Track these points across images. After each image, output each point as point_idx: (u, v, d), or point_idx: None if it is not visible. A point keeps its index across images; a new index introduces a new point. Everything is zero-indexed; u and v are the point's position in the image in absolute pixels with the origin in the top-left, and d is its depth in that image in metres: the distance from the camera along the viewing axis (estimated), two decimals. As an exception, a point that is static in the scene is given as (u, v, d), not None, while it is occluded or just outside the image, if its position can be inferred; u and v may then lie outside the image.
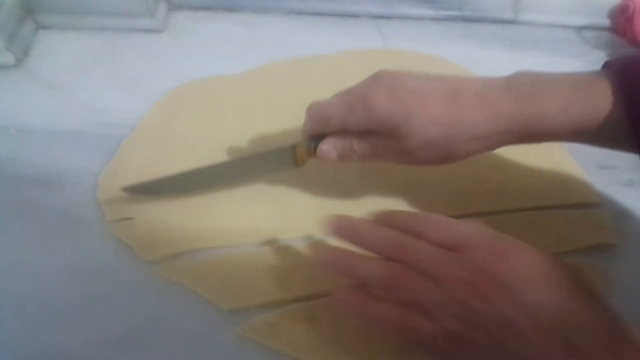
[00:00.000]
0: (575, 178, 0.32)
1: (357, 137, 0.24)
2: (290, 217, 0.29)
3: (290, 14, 0.43)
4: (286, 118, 0.35)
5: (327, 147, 0.25)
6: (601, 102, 0.22)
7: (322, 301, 0.26)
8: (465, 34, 0.42)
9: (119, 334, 0.25)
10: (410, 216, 0.24)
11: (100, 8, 0.40)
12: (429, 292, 0.20)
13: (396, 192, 0.30)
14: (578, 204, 0.31)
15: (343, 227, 0.23)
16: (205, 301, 0.26)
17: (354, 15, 0.43)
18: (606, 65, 0.24)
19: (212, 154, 0.33)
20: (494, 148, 0.24)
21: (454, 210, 0.30)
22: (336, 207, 0.30)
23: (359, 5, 0.42)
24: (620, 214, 0.30)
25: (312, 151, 0.26)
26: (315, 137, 0.26)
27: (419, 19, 0.43)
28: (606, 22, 0.44)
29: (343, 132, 0.25)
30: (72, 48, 0.40)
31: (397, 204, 0.30)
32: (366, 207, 0.29)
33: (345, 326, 0.25)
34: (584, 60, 0.41)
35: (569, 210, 0.30)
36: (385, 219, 0.23)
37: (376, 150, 0.24)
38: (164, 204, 0.30)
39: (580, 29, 0.43)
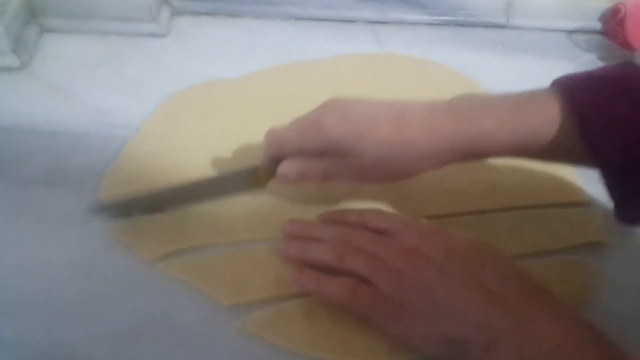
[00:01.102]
0: (566, 177, 0.32)
1: (312, 158, 0.26)
2: (289, 214, 0.30)
3: (289, 19, 0.44)
4: (285, 121, 0.35)
5: (285, 169, 0.27)
6: (548, 117, 0.23)
7: (319, 297, 0.26)
8: (458, 39, 0.43)
9: (122, 330, 0.26)
10: (353, 211, 0.28)
11: (105, 12, 0.40)
12: (368, 264, 0.24)
13: (388, 193, 0.31)
14: (569, 202, 0.31)
15: (295, 229, 0.28)
16: (206, 297, 0.27)
17: (351, 21, 0.44)
18: (553, 83, 0.25)
19: (213, 156, 0.33)
20: (441, 166, 0.26)
21: (448, 209, 0.31)
22: (330, 206, 0.31)
23: (356, 11, 0.43)
24: (610, 212, 0.31)
25: (272, 173, 0.28)
26: (275, 160, 0.27)
27: (413, 24, 0.44)
28: (597, 25, 0.44)
29: (299, 155, 0.26)
30: (77, 51, 0.40)
31: (390, 205, 0.31)
32: (359, 206, 0.29)
33: (343, 321, 0.25)
34: (575, 63, 0.42)
35: (560, 209, 0.31)
36: (332, 217, 0.29)
37: (330, 170, 0.26)
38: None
39: (571, 32, 0.44)
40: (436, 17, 0.43)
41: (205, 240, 0.29)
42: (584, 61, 0.42)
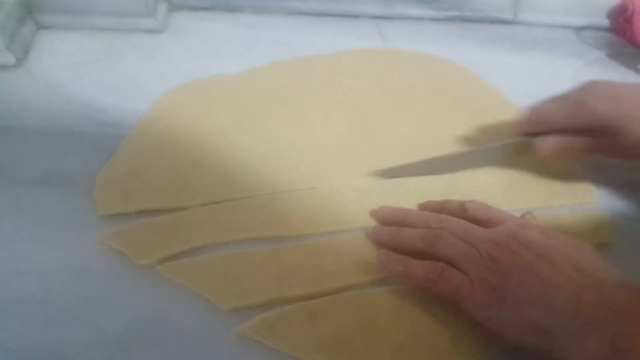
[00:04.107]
0: (575, 178, 0.32)
1: (576, 134, 0.28)
2: (286, 215, 0.30)
3: (291, 14, 0.43)
4: (286, 117, 0.35)
5: (550, 143, 0.29)
6: None
7: (321, 301, 0.26)
8: (464, 34, 0.42)
9: (119, 333, 0.25)
10: (454, 201, 0.28)
11: (101, 8, 0.40)
12: (461, 248, 0.24)
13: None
14: (578, 203, 0.31)
15: (389, 214, 0.29)
16: (205, 301, 0.26)
17: (354, 16, 0.43)
18: None
19: (211, 153, 0.33)
20: None
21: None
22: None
23: (359, 5, 0.43)
24: (619, 213, 0.30)
25: (525, 148, 0.30)
26: (529, 135, 0.30)
27: (418, 19, 0.43)
28: (605, 22, 0.44)
29: (561, 131, 0.29)
30: (73, 48, 0.40)
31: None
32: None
33: (345, 326, 0.25)
34: (584, 60, 0.41)
35: (569, 210, 0.31)
36: (432, 206, 0.29)
37: (593, 146, 0.28)
38: (157, 203, 0.30)
39: (579, 29, 0.44)
40: (442, 13, 0.43)
41: (202, 242, 0.29)
42: (592, 58, 0.42)
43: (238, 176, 0.31)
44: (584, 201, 0.31)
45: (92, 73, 0.38)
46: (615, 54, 0.42)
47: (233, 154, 0.33)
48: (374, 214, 0.29)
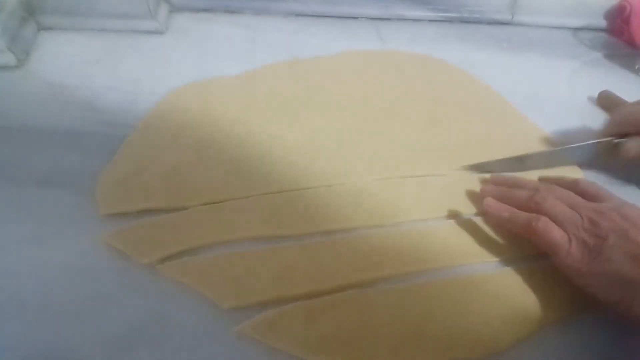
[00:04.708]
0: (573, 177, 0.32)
1: None
2: (285, 216, 0.30)
3: (290, 15, 0.43)
4: (286, 117, 0.36)
5: (635, 144, 0.30)
6: None
7: (321, 299, 0.26)
8: (462, 35, 0.42)
9: (120, 332, 0.25)
10: (568, 177, 0.30)
11: (102, 10, 0.40)
12: (564, 210, 0.27)
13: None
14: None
15: (500, 178, 0.31)
16: (205, 300, 0.26)
17: (353, 17, 0.43)
18: None
19: (212, 154, 0.33)
20: None
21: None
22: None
23: (358, 7, 0.43)
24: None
25: (612, 148, 0.32)
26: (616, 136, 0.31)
27: (416, 20, 0.43)
28: (603, 23, 0.44)
29: None
30: (74, 49, 0.40)
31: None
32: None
33: (344, 325, 0.25)
34: (581, 61, 0.42)
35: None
36: (547, 178, 0.31)
37: None
38: (158, 203, 0.30)
39: (576, 30, 0.44)
40: (440, 14, 0.43)
41: (202, 241, 0.29)
42: (589, 59, 0.42)
43: (238, 176, 0.31)
44: None
45: (94, 74, 0.38)
46: (613, 55, 0.42)
47: (233, 155, 0.33)
48: (484, 181, 0.32)
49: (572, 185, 0.29)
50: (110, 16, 0.40)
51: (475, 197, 0.31)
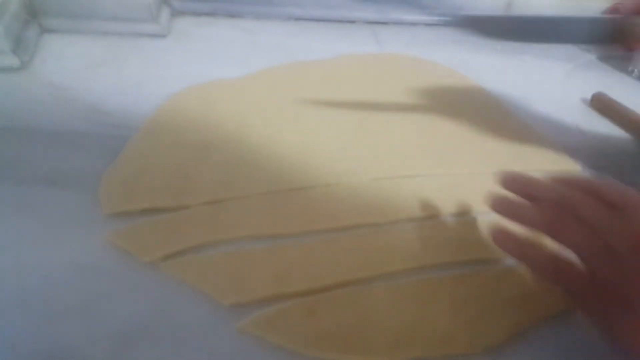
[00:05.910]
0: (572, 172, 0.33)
1: None
2: (284, 214, 0.30)
3: (290, 20, 0.44)
4: (285, 119, 0.36)
5: None
6: None
7: (321, 296, 0.26)
8: (457, 39, 0.43)
9: (122, 330, 0.26)
10: (586, 178, 0.25)
11: (105, 13, 0.40)
12: (585, 239, 0.21)
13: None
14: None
15: (512, 181, 0.25)
16: (207, 297, 0.27)
17: (351, 21, 0.44)
18: None
19: (213, 154, 0.33)
20: None
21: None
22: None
23: (356, 11, 0.44)
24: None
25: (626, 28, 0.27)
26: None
27: (413, 24, 0.44)
28: (596, 26, 0.44)
29: None
30: (77, 52, 0.40)
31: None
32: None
33: (343, 321, 0.25)
34: (574, 64, 0.42)
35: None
36: (561, 179, 0.24)
37: None
38: (161, 202, 0.30)
39: (570, 33, 0.44)
40: (436, 18, 0.44)
41: (204, 239, 0.29)
42: (583, 61, 0.42)
43: (238, 176, 0.32)
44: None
45: (97, 76, 0.39)
46: (606, 57, 0.43)
47: (233, 155, 0.33)
48: (497, 177, 0.25)
49: (592, 189, 0.22)
50: (113, 19, 0.41)
51: (474, 197, 0.31)
